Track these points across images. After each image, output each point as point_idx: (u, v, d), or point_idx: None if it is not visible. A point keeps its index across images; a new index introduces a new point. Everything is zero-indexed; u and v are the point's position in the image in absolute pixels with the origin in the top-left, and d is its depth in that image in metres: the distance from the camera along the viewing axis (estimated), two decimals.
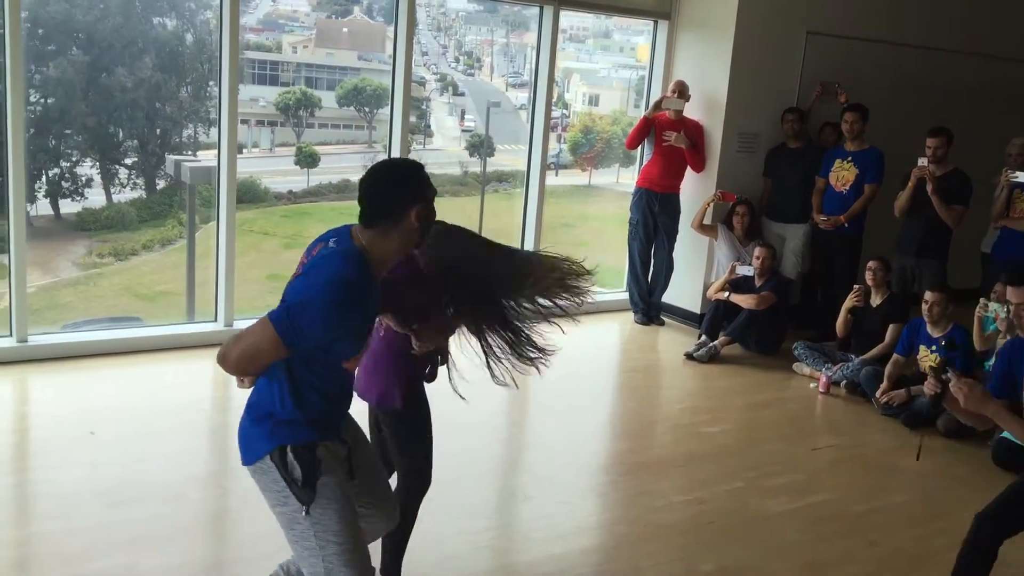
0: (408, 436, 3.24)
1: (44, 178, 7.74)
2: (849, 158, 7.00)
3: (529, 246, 7.37)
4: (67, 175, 8.04)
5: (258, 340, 2.41)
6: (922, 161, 6.48)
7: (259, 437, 2.54)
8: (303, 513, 2.50)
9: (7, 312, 5.64)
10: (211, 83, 7.45)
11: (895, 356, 6.03)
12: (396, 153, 6.63)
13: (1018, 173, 6.40)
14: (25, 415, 5.06)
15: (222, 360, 2.46)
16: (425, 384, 3.26)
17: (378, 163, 2.62)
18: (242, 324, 6.14)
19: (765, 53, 7.30)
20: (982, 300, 5.75)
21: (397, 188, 2.50)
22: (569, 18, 9.03)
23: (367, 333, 2.59)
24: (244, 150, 7.59)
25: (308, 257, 2.55)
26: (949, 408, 3.37)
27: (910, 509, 4.72)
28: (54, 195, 7.98)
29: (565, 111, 10.94)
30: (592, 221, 11.02)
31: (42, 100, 7.50)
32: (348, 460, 2.66)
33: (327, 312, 2.36)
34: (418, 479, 3.29)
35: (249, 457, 2.56)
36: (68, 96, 7.49)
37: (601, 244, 9.97)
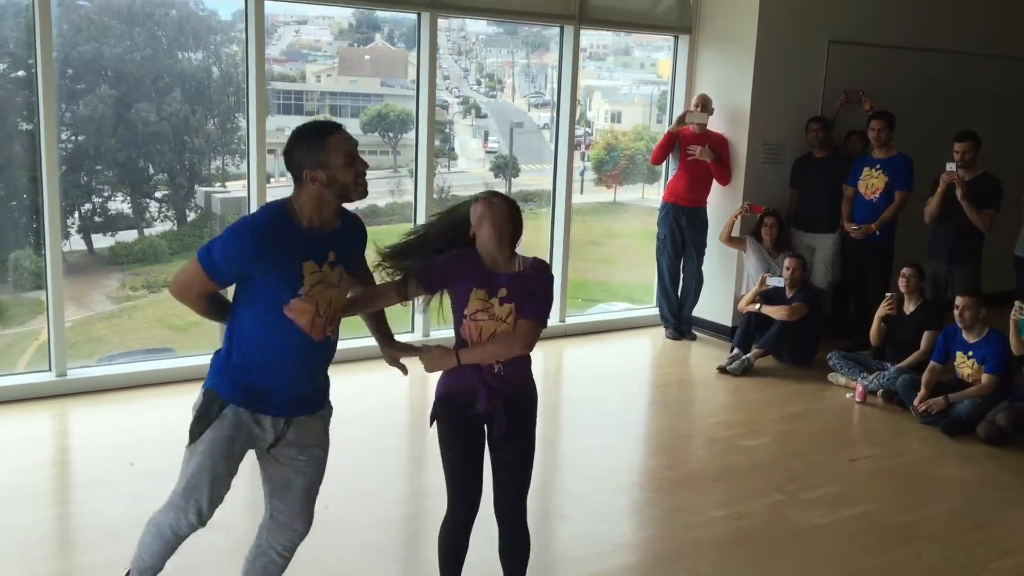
0: (440, 453, 3.25)
1: (77, 214, 7.85)
2: (878, 166, 6.96)
3: (558, 265, 7.39)
4: (99, 210, 8.16)
5: (189, 274, 2.80)
6: (950, 166, 6.43)
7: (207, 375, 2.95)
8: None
9: (46, 347, 5.73)
10: (238, 115, 7.54)
11: (932, 363, 5.97)
12: (423, 178, 6.67)
13: None
14: (66, 448, 5.13)
15: (170, 291, 2.89)
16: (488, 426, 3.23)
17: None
18: None
19: (787, 63, 7.29)
20: (1017, 303, 5.68)
21: (293, 150, 2.78)
22: (588, 37, 9.05)
23: (291, 278, 2.74)
24: (272, 179, 7.66)
25: None
26: None
27: (954, 518, 4.66)
28: (87, 230, 8.09)
29: (588, 129, 10.95)
30: (619, 238, 11.00)
31: (73, 137, 7.63)
32: (275, 438, 2.91)
33: (228, 243, 2.71)
34: (447, 504, 3.27)
35: None
36: (99, 133, 7.61)
37: (629, 260, 9.94)
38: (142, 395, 5.74)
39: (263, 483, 3.03)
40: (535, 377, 3.25)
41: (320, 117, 2.98)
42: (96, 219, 8.10)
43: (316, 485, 3.05)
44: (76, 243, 7.96)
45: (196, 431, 2.88)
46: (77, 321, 7.64)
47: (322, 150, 2.71)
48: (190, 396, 5.76)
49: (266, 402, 2.85)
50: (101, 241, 8.21)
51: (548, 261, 7.38)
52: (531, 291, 3.07)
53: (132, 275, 8.43)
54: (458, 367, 3.09)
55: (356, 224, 3.00)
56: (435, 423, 3.21)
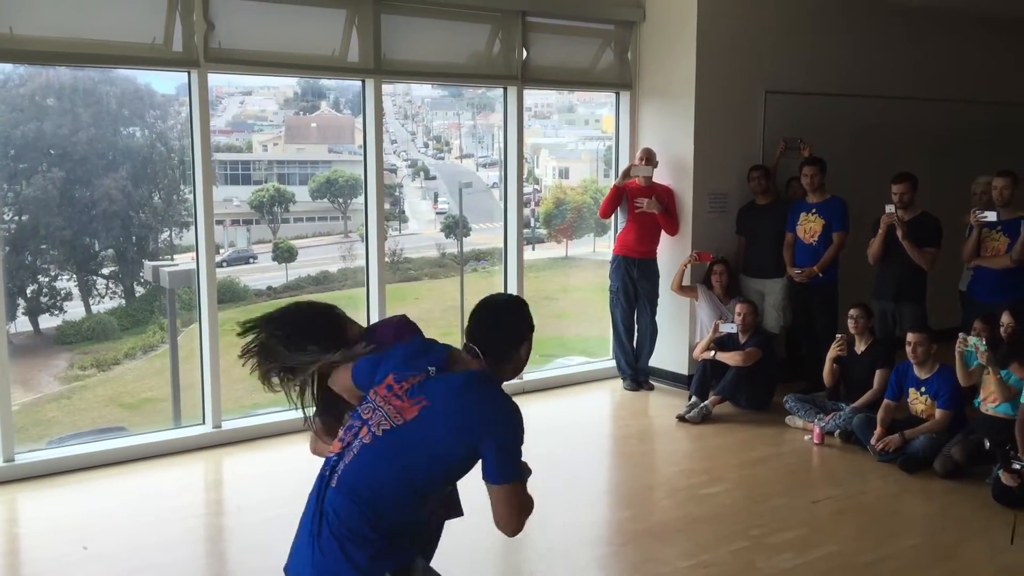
0: None
1: (23, 295, 7.74)
2: (813, 210, 7.13)
3: None
4: (45, 290, 8.04)
5: (520, 499, 2.61)
6: (890, 208, 6.59)
7: None
8: None
9: None
10: (184, 187, 7.52)
11: (885, 401, 6.05)
12: (374, 241, 6.68)
13: (987, 213, 6.51)
14: (16, 536, 4.96)
15: (513, 533, 2.65)
16: None
17: (491, 300, 2.75)
18: (230, 425, 6.12)
19: (726, 115, 7.46)
20: (961, 335, 5.79)
21: (513, 323, 2.68)
22: (533, 96, 9.21)
23: None
24: (221, 250, 7.60)
25: (408, 389, 2.56)
26: None
27: (918, 554, 4.69)
28: (33, 311, 7.96)
29: (536, 186, 11.09)
30: (573, 292, 11.08)
31: (16, 218, 7.54)
32: None
33: (519, 431, 2.55)
34: None
35: None
36: (43, 211, 7.54)
37: (584, 314, 10.00)
38: (94, 476, 5.60)
39: None
40: None
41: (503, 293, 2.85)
42: (42, 299, 7.99)
43: None
44: (22, 324, 7.83)
45: None
46: (24, 404, 7.47)
47: (530, 322, 2.72)
48: (145, 474, 5.67)
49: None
50: (48, 321, 8.08)
51: None
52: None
53: (81, 354, 8.29)
54: None
55: None
56: None
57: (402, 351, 2.68)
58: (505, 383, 2.71)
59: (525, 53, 7.21)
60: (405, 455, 2.49)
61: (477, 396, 2.52)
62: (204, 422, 6.16)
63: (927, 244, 6.61)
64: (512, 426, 2.51)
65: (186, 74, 5.95)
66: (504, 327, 2.66)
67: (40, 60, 5.78)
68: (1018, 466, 3.55)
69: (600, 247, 10.15)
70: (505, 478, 2.49)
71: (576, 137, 11.52)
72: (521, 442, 2.53)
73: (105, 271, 8.41)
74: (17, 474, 5.49)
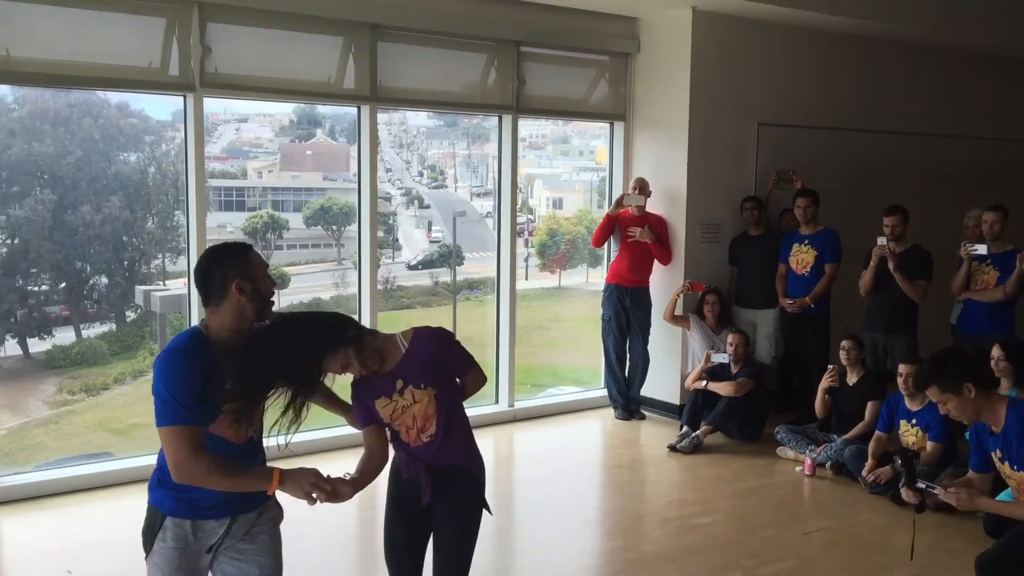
0: None
1: (13, 319, 7.70)
2: (806, 241, 7.16)
3: (505, 351, 7.39)
4: (35, 313, 8.00)
5: (172, 446, 2.66)
6: (882, 240, 6.62)
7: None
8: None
9: None
10: (177, 212, 7.52)
11: (877, 433, 6.04)
12: (367, 270, 6.68)
13: (977, 246, 6.54)
14: (0, 559, 4.91)
15: (173, 474, 2.68)
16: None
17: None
18: None
19: (719, 146, 7.51)
20: None
21: (215, 266, 2.78)
22: (528, 127, 9.25)
23: (216, 400, 2.71)
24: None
25: None
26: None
27: None
28: (23, 335, 7.92)
29: (530, 216, 11.11)
30: (565, 322, 11.06)
31: (8, 241, 7.52)
32: (221, 537, 2.83)
33: (173, 379, 2.65)
34: None
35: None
36: (35, 235, 7.52)
37: (576, 343, 9.99)
38: (80, 500, 5.55)
39: None
40: (486, 462, 3.22)
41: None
42: (32, 323, 7.95)
43: None
44: (11, 348, 7.78)
45: (147, 545, 2.84)
46: (12, 428, 7.41)
47: (246, 263, 2.81)
48: (130, 499, 5.61)
49: (206, 508, 2.81)
50: (37, 345, 8.04)
51: (495, 347, 7.39)
52: (426, 359, 3.08)
53: (70, 379, 8.24)
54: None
55: None
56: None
57: None
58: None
59: (520, 83, 7.26)
60: None
61: None
62: None
63: (918, 277, 6.63)
64: (159, 374, 2.69)
65: (182, 98, 5.98)
66: (208, 270, 2.78)
67: (36, 83, 5.80)
68: (922, 485, 3.61)
69: (593, 277, 10.17)
70: (158, 422, 2.67)
71: (570, 168, 11.56)
72: (170, 390, 2.64)
73: (96, 295, 8.38)
74: (2, 497, 5.44)
